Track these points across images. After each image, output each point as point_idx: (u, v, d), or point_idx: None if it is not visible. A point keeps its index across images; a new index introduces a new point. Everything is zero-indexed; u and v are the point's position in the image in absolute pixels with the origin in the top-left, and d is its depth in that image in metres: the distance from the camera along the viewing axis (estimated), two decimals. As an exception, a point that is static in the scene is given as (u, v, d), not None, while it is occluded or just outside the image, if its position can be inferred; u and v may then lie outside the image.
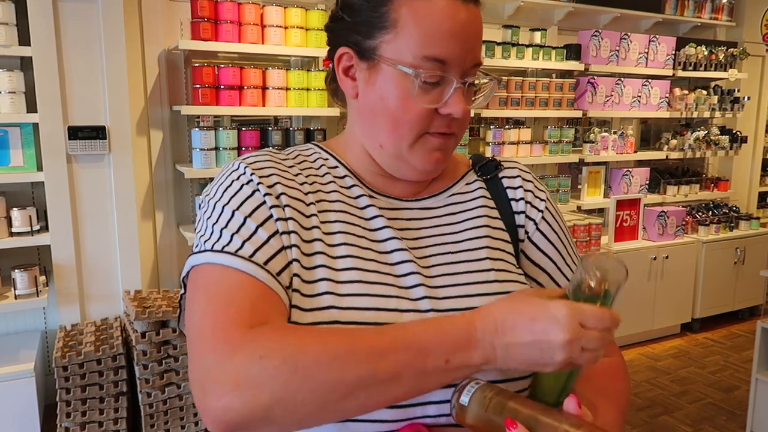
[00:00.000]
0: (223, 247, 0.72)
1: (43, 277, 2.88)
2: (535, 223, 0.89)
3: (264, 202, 0.76)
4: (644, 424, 3.23)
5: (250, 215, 0.75)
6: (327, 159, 0.88)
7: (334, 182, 0.84)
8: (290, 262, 0.74)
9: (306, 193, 0.80)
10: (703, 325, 4.66)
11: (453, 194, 0.89)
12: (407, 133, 0.79)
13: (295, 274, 0.74)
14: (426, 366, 0.65)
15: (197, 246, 0.76)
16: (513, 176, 0.92)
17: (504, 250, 0.85)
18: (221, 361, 0.63)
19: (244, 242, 0.72)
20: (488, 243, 0.84)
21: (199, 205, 0.83)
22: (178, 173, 3.25)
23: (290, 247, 0.75)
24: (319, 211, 0.80)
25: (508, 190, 0.90)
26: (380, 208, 0.83)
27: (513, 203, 0.89)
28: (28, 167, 2.85)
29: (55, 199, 2.87)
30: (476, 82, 0.82)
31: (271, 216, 0.75)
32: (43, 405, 2.81)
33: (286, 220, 0.76)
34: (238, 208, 0.75)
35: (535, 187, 0.92)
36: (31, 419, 2.61)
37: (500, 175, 0.92)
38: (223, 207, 0.76)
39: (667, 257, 4.30)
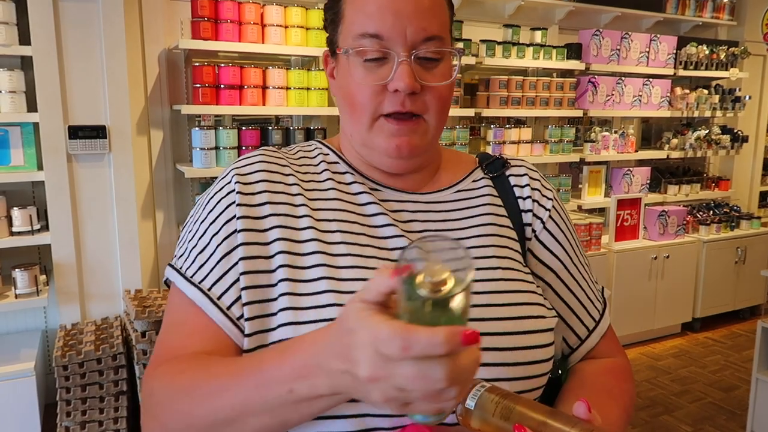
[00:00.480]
0: (184, 268, 0.78)
1: (44, 277, 2.88)
2: (543, 222, 0.88)
3: (234, 216, 0.77)
4: (645, 424, 3.23)
5: (216, 233, 0.77)
6: (328, 154, 0.88)
7: (332, 179, 0.84)
8: (250, 273, 0.75)
9: (295, 195, 0.81)
10: (704, 325, 4.65)
11: (459, 191, 0.88)
12: (362, 116, 0.79)
13: (283, 279, 0.74)
14: (268, 398, 0.60)
15: (175, 254, 0.83)
16: (520, 174, 0.91)
17: (510, 248, 0.85)
18: (142, 391, 0.73)
19: (201, 265, 0.77)
20: (495, 241, 0.84)
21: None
22: (179, 172, 3.25)
23: (265, 258, 0.76)
24: (314, 209, 0.80)
25: (515, 188, 0.90)
26: (382, 201, 0.83)
27: (520, 201, 0.89)
28: (28, 166, 2.85)
29: (56, 199, 2.87)
30: (455, 60, 0.81)
31: (235, 230, 0.77)
32: (43, 404, 2.81)
33: (265, 231, 0.77)
34: (210, 225, 0.78)
35: (542, 185, 0.91)
36: (31, 418, 2.61)
37: (507, 173, 0.91)
38: (201, 222, 0.80)
39: (667, 257, 4.30)
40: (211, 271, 0.75)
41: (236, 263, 0.75)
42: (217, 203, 0.79)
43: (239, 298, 0.74)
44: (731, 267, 4.67)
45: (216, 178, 0.89)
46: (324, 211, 0.80)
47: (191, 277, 0.77)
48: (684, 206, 4.66)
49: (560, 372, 0.85)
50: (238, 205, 0.77)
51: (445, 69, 0.80)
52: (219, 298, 0.74)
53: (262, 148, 0.86)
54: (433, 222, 0.84)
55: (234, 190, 0.78)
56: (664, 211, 4.35)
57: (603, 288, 0.95)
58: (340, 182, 0.84)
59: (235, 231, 0.76)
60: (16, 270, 2.73)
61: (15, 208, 2.78)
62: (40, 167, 2.87)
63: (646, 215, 4.34)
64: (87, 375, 2.56)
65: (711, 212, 4.83)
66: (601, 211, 4.61)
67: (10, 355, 2.71)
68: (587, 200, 4.38)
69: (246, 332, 0.73)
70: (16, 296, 2.74)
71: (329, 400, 0.58)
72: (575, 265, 0.89)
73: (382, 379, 0.50)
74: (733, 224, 4.76)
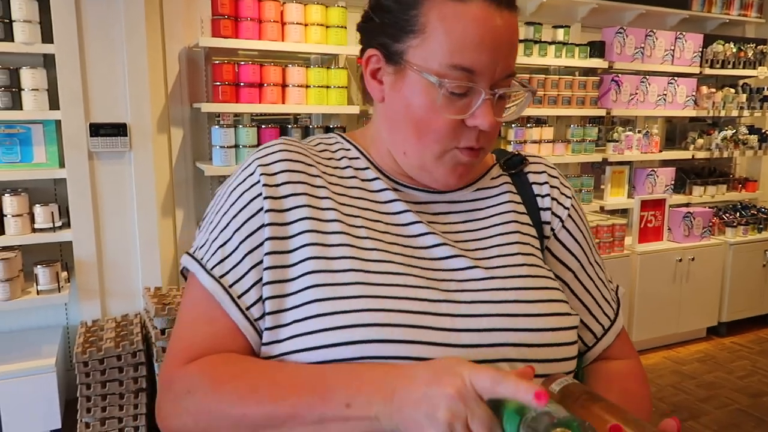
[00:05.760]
0: (204, 259, 0.76)
1: (65, 273, 2.90)
2: (562, 221, 0.87)
3: (260, 209, 0.75)
4: (669, 430, 3.16)
5: (239, 228, 0.75)
6: (349, 150, 0.86)
7: (356, 177, 0.83)
8: (275, 268, 0.74)
9: (318, 187, 0.79)
10: (730, 329, 4.54)
11: (479, 189, 0.87)
12: (432, 145, 0.76)
13: (310, 272, 0.73)
14: (325, 411, 0.64)
15: (194, 244, 0.80)
16: (539, 171, 0.90)
17: (533, 246, 0.84)
18: (161, 393, 0.75)
19: (223, 259, 0.75)
20: (519, 238, 0.83)
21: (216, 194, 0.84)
22: (198, 170, 3.25)
23: (288, 252, 0.75)
24: (340, 204, 0.79)
25: (534, 186, 0.89)
26: (406, 202, 0.81)
27: (539, 199, 0.88)
28: (50, 164, 2.88)
29: (77, 196, 2.89)
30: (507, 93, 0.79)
31: (262, 225, 0.75)
32: (64, 399, 2.83)
33: (288, 224, 0.76)
34: (232, 219, 0.76)
35: (561, 183, 0.90)
36: (52, 413, 2.63)
37: (525, 170, 0.90)
38: (224, 214, 0.77)
39: (693, 259, 4.21)
40: (233, 267, 0.74)
41: (261, 261, 0.74)
42: (240, 195, 0.77)
43: (259, 299, 0.73)
44: (759, 270, 4.56)
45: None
46: (349, 206, 0.79)
47: (211, 269, 0.75)
48: (710, 208, 4.57)
49: (576, 369, 0.85)
50: (265, 198, 0.75)
51: (504, 103, 0.79)
52: (240, 297, 0.73)
53: (281, 138, 0.84)
54: (455, 224, 0.83)
55: (259, 182, 0.76)
56: (689, 212, 4.27)
57: (618, 286, 0.94)
58: (363, 179, 0.82)
59: (262, 225, 0.74)
60: (38, 266, 2.76)
61: (37, 205, 2.81)
62: (62, 165, 2.90)
63: (670, 217, 4.25)
64: (107, 371, 2.57)
65: (738, 214, 4.72)
66: (624, 212, 4.53)
67: (31, 351, 2.73)
68: (610, 201, 4.31)
69: (266, 326, 0.73)
70: (38, 292, 2.76)
71: (368, 421, 0.63)
72: (591, 265, 0.89)
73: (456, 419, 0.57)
74: (761, 226, 4.65)
